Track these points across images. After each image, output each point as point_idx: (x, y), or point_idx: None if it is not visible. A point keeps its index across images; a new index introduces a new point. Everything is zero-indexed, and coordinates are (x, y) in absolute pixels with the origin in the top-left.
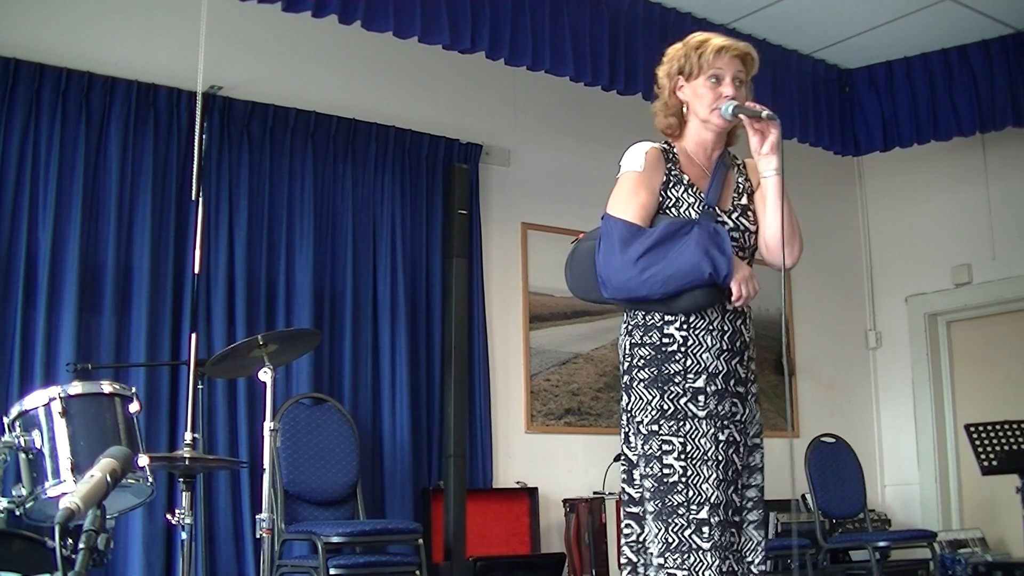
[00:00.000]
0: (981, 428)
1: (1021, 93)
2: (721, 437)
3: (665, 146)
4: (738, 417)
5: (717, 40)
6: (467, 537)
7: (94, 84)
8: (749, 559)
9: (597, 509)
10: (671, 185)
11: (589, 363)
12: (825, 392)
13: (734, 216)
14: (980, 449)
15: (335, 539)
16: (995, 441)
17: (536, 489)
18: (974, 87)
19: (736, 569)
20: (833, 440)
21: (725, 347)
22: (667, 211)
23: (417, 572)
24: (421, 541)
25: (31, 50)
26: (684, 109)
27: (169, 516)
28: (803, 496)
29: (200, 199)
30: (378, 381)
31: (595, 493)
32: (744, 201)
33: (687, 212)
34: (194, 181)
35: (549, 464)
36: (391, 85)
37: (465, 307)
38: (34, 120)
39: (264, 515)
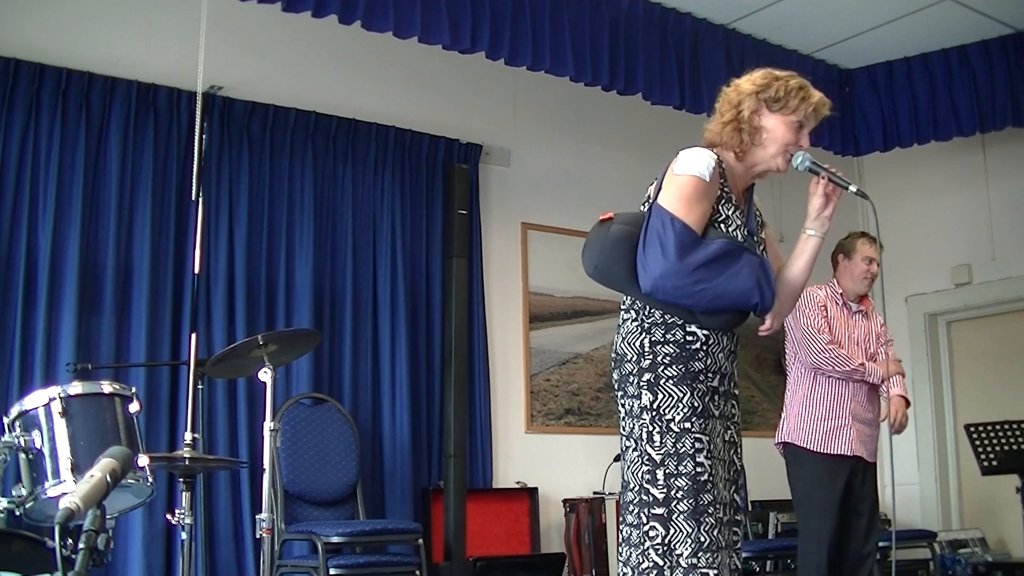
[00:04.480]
0: (981, 428)
1: (1021, 93)
2: (726, 437)
3: (718, 158)
4: (735, 419)
5: (819, 95)
6: (467, 537)
7: (94, 84)
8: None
9: (597, 509)
10: (723, 202)
11: (589, 363)
12: None
13: (760, 249)
14: (980, 449)
15: (335, 539)
16: (995, 441)
17: (536, 489)
18: (974, 87)
19: (739, 566)
20: None
21: (732, 348)
22: (716, 225)
23: (417, 572)
24: (421, 541)
25: (31, 50)
26: (757, 135)
27: (169, 516)
28: None
29: (200, 199)
30: (378, 381)
31: (595, 493)
32: (763, 235)
33: (735, 232)
34: (194, 181)
35: (549, 464)
36: (391, 85)
37: (465, 307)
38: (34, 120)
39: (264, 515)
